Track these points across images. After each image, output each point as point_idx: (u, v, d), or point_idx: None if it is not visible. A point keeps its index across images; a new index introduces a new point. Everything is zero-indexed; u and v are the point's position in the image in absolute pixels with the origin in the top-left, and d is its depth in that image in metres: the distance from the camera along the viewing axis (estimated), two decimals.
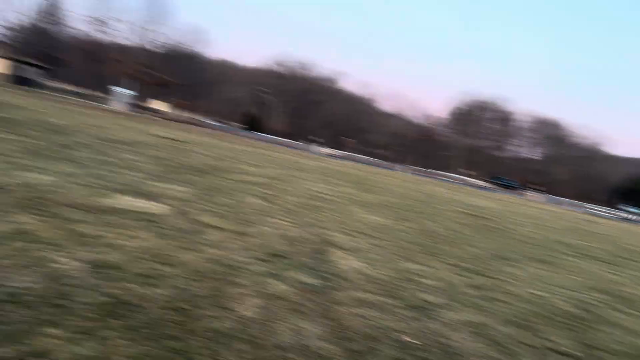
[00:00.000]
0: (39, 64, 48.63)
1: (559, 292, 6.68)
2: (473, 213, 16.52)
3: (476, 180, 54.52)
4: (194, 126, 41.91)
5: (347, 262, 5.75)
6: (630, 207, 53.67)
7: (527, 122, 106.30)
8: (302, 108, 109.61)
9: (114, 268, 3.90)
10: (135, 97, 47.54)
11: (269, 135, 64.13)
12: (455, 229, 11.34)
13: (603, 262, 11.07)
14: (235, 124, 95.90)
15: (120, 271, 3.86)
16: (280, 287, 4.39)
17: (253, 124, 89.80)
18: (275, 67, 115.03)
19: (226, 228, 6.11)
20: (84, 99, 47.46)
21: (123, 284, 3.61)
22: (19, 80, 44.03)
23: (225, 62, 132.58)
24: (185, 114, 55.46)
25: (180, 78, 59.96)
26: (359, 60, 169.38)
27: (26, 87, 40.99)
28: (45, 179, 6.69)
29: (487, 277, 6.69)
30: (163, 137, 19.82)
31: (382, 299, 4.71)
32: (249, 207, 8.01)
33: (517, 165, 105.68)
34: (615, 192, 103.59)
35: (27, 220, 4.62)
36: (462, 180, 53.26)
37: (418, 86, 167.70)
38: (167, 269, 4.18)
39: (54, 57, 57.58)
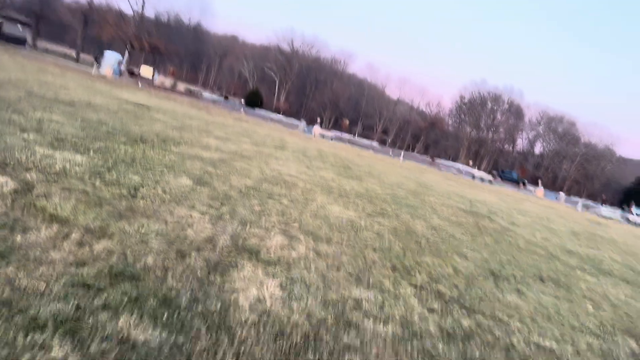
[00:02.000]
0: (28, 22, 46.17)
1: (577, 340, 4.56)
2: (471, 209, 14.36)
3: (480, 172, 52.19)
4: (183, 96, 39.51)
5: (256, 291, 3.62)
6: (637, 209, 51.40)
7: (537, 116, 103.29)
8: (306, 87, 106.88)
9: None
10: (125, 62, 45.15)
11: (266, 113, 61.70)
12: (444, 229, 9.22)
13: (626, 281, 8.93)
14: (236, 99, 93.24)
15: None
16: None
17: (254, 100, 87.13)
18: (282, 45, 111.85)
19: (73, 222, 3.96)
20: (71, 61, 45.10)
21: None
22: (2, 37, 41.67)
23: (231, 36, 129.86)
24: (180, 84, 52.90)
25: (180, 48, 57.44)
26: (369, 43, 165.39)
27: (9, 45, 38.63)
28: None
29: (474, 313, 4.56)
30: (129, 102, 17.62)
31: None
32: (162, 189, 5.87)
33: (524, 160, 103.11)
34: (625, 194, 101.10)
35: None
36: (466, 171, 50.93)
37: (428, 73, 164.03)
38: None
39: (46, 16, 55.05)
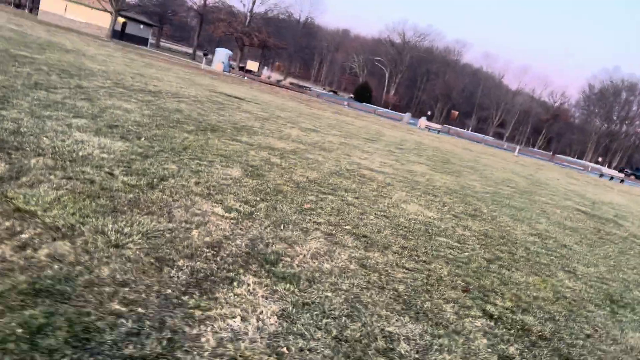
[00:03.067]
0: (147, 21, 49.47)
1: None
2: (592, 212, 12.16)
3: (610, 170, 46.53)
4: (288, 91, 39.75)
5: (239, 323, 2.67)
6: None
7: None
8: (416, 80, 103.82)
9: None
10: (234, 58, 46.57)
11: (373, 106, 60.54)
12: (553, 235, 7.54)
13: None
14: (345, 93, 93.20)
15: None
16: None
17: (362, 94, 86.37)
18: (393, 37, 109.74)
19: (35, 218, 3.27)
20: (187, 58, 47.57)
21: None
22: (121, 36, 44.96)
23: (343, 30, 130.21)
24: (287, 79, 53.63)
25: (288, 43, 58.25)
26: (486, 31, 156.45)
27: (132, 44, 41.59)
28: None
29: None
30: (223, 94, 17.58)
31: None
32: (196, 180, 5.13)
33: None
34: None
35: None
36: (593, 168, 45.67)
37: (551, 62, 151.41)
38: None
39: (168, 17, 58.73)
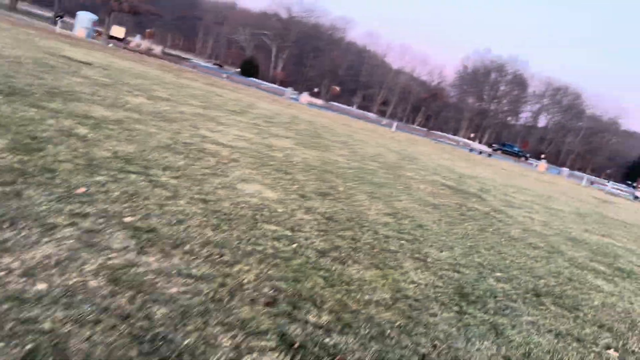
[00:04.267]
0: None
1: None
2: (458, 187, 11.97)
3: (479, 145, 49.63)
4: (158, 60, 36.69)
5: None
6: None
7: (542, 88, 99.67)
8: (304, 56, 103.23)
9: None
10: (98, 23, 42.15)
11: (257, 80, 58.85)
12: (411, 214, 6.84)
13: None
14: (231, 67, 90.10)
15: None
16: None
17: (248, 69, 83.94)
18: (279, 11, 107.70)
19: None
20: (41, 21, 42.19)
21: None
22: None
23: (230, 2, 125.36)
24: (163, 49, 49.84)
25: (163, 11, 54.05)
26: (369, 10, 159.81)
27: None
28: None
29: None
30: (65, 57, 15.08)
31: None
32: None
33: (528, 133, 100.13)
34: (629, 168, 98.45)
35: None
36: (464, 143, 48.38)
37: (430, 42, 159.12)
38: None
39: None
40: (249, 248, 3.81)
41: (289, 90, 38.31)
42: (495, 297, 4.36)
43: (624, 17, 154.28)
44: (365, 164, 11.19)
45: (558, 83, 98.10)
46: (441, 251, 5.48)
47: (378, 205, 7.04)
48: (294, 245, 4.17)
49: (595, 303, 5.08)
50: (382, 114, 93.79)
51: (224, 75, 41.79)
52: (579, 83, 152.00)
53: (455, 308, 3.81)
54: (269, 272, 3.45)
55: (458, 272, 4.83)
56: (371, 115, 61.79)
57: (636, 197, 35.74)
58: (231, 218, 4.44)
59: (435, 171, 14.14)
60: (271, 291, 3.15)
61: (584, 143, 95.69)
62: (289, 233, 4.48)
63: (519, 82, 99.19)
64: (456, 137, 65.37)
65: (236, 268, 3.36)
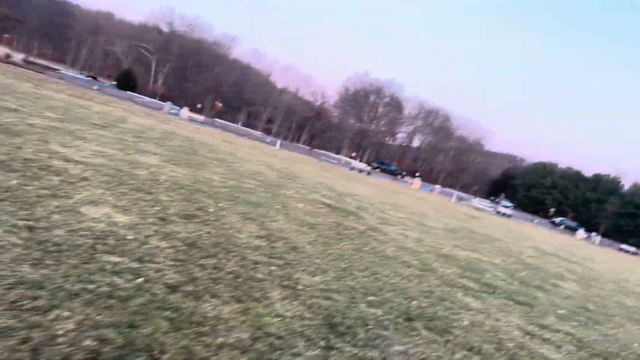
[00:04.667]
0: None
1: None
2: (337, 205, 11.90)
3: (359, 163, 51.38)
4: (21, 69, 33.15)
5: None
6: (505, 202, 54.03)
7: (415, 110, 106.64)
8: (187, 71, 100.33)
9: None
10: None
11: (133, 93, 55.81)
12: (286, 236, 6.45)
13: (520, 303, 6.81)
14: (106, 80, 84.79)
15: None
16: None
17: (126, 82, 79.50)
18: (160, 25, 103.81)
19: None
20: None
21: None
22: None
23: (106, 13, 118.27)
24: (27, 57, 45.20)
25: (24, 16, 49.10)
26: (254, 28, 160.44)
27: None
28: None
29: None
30: None
31: None
32: None
33: (404, 153, 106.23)
34: (493, 185, 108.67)
35: None
36: (345, 162, 49.79)
37: (314, 63, 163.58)
38: None
39: None
40: (77, 287, 3.12)
41: (167, 105, 36.56)
42: (366, 325, 4.08)
43: (473, 46, 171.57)
44: (243, 183, 10.67)
45: (430, 106, 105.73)
46: (314, 276, 5.14)
47: (251, 227, 6.56)
48: (139, 281, 3.54)
49: (465, 323, 5.05)
50: (267, 131, 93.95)
51: (94, 87, 38.82)
52: (447, 106, 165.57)
53: (322, 343, 3.44)
54: (97, 317, 2.80)
55: (329, 298, 4.50)
56: (256, 132, 61.31)
57: (498, 212, 39.12)
58: (62, 249, 3.69)
59: (315, 189, 14.01)
60: (94, 343, 2.52)
61: (453, 162, 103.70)
62: (135, 265, 3.83)
63: (396, 105, 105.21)
64: (338, 156, 67.20)
65: (51, 315, 2.68)
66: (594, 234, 46.59)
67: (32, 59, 55.17)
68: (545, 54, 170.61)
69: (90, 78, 73.23)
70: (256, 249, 5.51)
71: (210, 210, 6.88)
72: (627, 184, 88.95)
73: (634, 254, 40.83)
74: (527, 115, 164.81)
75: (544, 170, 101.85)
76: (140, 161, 9.26)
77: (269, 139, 49.55)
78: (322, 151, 73.06)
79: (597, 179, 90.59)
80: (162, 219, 5.57)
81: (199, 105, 77.36)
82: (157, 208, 6.03)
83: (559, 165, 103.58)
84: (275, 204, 9.22)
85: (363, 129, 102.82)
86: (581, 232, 44.92)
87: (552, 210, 68.50)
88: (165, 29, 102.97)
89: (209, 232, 5.64)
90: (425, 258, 8.36)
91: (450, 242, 11.54)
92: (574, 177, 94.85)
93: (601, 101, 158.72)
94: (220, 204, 7.50)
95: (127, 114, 20.90)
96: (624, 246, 43.07)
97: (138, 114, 23.85)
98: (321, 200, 11.95)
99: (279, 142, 39.46)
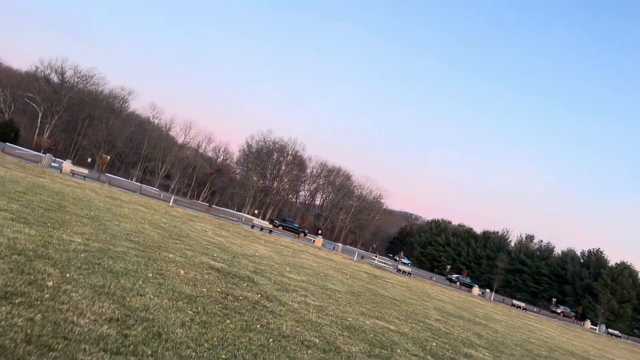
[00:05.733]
0: None
1: None
2: (229, 269, 10.39)
3: (261, 221, 49.85)
4: None
5: None
6: (403, 259, 54.86)
7: (318, 169, 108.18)
8: (77, 123, 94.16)
9: None
10: None
11: (10, 145, 50.62)
12: (148, 316, 4.92)
13: None
14: None
15: None
16: None
17: (6, 134, 72.63)
18: (50, 74, 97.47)
19: None
20: None
21: None
22: None
23: None
24: None
25: None
26: (153, 83, 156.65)
27: None
28: None
29: None
30: None
31: None
32: None
33: (306, 210, 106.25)
34: (390, 242, 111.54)
35: None
36: (247, 219, 48.03)
37: (217, 120, 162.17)
38: None
39: None
40: None
41: (47, 157, 32.96)
42: None
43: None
44: (112, 245, 8.89)
45: (331, 165, 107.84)
46: None
47: (101, 306, 4.97)
48: None
49: None
50: (165, 188, 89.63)
51: None
52: (349, 166, 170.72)
53: None
54: None
55: None
56: (150, 188, 57.77)
57: (399, 270, 39.19)
58: None
59: (205, 251, 12.40)
60: None
61: (354, 219, 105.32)
62: None
63: (299, 163, 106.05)
64: (240, 213, 65.19)
65: None
66: (487, 290, 48.37)
67: None
68: (445, 108, 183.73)
69: None
70: (97, 342, 3.96)
71: (48, 284, 5.19)
72: (513, 240, 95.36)
73: (524, 309, 42.61)
74: (422, 175, 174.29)
75: (438, 227, 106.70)
76: None
77: (162, 195, 46.61)
78: (223, 208, 70.66)
79: (487, 236, 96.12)
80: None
81: (89, 160, 72.15)
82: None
83: (452, 223, 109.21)
84: (149, 271, 7.59)
85: (266, 186, 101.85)
86: (476, 289, 46.32)
87: (449, 267, 70.95)
88: (55, 79, 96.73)
89: (30, 319, 4.01)
90: (329, 333, 7.12)
91: (355, 309, 10.44)
92: (466, 234, 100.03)
93: (487, 162, 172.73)
94: (67, 275, 5.80)
95: None
96: (515, 302, 44.90)
97: (4, 165, 20.82)
98: (210, 264, 10.40)
99: (173, 198, 36.97)
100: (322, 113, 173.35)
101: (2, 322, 3.77)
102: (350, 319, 8.94)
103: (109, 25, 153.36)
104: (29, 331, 3.75)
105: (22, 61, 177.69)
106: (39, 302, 4.51)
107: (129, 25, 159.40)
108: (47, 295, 4.78)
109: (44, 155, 36.25)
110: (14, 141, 71.95)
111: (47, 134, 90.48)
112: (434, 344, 9.18)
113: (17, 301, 4.36)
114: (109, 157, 53.62)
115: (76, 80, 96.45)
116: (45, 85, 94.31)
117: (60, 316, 4.33)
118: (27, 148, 67.51)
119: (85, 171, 34.59)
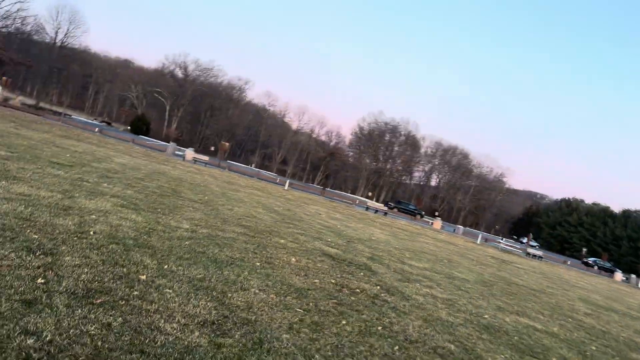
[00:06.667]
0: None
1: None
2: (343, 255, 9.48)
3: (375, 203, 48.85)
4: (19, 112, 31.94)
5: None
6: (532, 241, 50.77)
7: (432, 148, 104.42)
8: (200, 114, 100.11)
9: None
10: None
11: (135, 135, 54.70)
12: (254, 312, 4.11)
13: None
14: (121, 125, 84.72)
15: None
16: None
17: (140, 127, 79.08)
18: (174, 69, 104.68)
19: None
20: None
21: None
22: None
23: (124, 60, 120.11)
24: (18, 98, 44.32)
25: (33, 62, 48.66)
26: (267, 70, 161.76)
27: None
28: None
29: None
30: None
31: None
32: None
33: (421, 191, 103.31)
34: (514, 224, 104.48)
35: None
36: (360, 202, 47.27)
37: (327, 103, 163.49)
38: None
39: None
40: None
41: (171, 146, 34.83)
42: None
43: (496, 82, 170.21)
44: (221, 231, 8.37)
45: (447, 144, 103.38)
46: None
47: (196, 305, 4.24)
48: None
49: None
50: (282, 173, 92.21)
51: (96, 130, 37.50)
52: (466, 144, 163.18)
53: None
54: None
55: None
56: (267, 173, 59.46)
57: (528, 253, 36.01)
58: None
59: (318, 235, 11.63)
60: None
61: (473, 200, 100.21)
62: None
63: (412, 143, 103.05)
64: (353, 196, 64.72)
65: None
66: (632, 275, 42.72)
67: (42, 104, 54.54)
68: (571, 85, 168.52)
69: (104, 124, 72.87)
70: (181, 357, 3.16)
71: (140, 278, 4.57)
72: None
73: None
74: (547, 152, 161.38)
75: (569, 207, 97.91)
76: (79, 206, 7.05)
77: (278, 179, 47.47)
78: (336, 191, 70.75)
79: (627, 215, 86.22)
80: (29, 303, 3.29)
81: (212, 148, 76.23)
82: (40, 281, 3.76)
83: (585, 201, 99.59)
84: (257, 259, 6.88)
85: (379, 168, 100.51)
86: (619, 274, 41.28)
87: (584, 250, 64.44)
88: (180, 73, 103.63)
89: (107, 325, 3.33)
90: (465, 336, 5.88)
91: (490, 302, 8.99)
92: (602, 214, 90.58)
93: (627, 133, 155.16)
94: (165, 266, 5.19)
95: (115, 154, 18.97)
96: None
97: (131, 154, 21.96)
98: (324, 249, 9.56)
99: (287, 182, 37.28)
100: (435, 87, 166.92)
101: (71, 331, 3.10)
102: (486, 316, 7.57)
103: (223, 17, 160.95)
104: (99, 343, 3.04)
105: (150, 59, 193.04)
106: (123, 302, 3.85)
107: (242, 15, 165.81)
108: (135, 293, 4.14)
109: (167, 144, 38.45)
110: (146, 133, 77.98)
111: (175, 125, 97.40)
112: (594, 348, 7.50)
113: (98, 301, 3.73)
114: (227, 144, 55.89)
115: (198, 74, 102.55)
116: (171, 80, 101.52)
117: (144, 320, 3.62)
118: (157, 139, 73.06)
119: (206, 158, 36.08)
